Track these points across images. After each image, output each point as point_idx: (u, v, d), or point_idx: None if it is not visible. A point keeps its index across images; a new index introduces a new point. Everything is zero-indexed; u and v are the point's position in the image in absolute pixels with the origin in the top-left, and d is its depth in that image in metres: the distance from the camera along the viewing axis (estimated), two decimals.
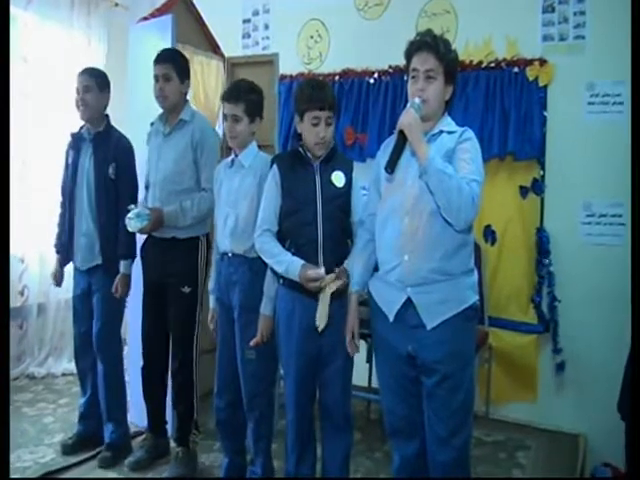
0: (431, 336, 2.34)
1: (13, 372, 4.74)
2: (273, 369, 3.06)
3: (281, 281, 2.77)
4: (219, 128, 3.91)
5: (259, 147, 3.11)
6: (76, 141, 3.58)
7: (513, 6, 4.22)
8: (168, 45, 3.62)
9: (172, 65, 3.31)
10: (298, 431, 2.80)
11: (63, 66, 4.99)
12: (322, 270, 2.60)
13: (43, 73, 4.90)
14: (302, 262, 2.62)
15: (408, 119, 2.30)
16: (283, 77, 4.75)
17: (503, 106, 4.17)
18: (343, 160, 2.83)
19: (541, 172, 4.13)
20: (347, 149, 4.65)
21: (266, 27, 5.24)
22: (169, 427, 3.61)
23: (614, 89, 3.91)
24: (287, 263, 2.65)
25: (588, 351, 3.98)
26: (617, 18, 3.78)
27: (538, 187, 4.13)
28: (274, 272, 2.79)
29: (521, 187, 4.19)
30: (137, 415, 3.71)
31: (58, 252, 3.67)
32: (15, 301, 4.75)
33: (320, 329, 2.62)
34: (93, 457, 3.54)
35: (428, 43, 2.37)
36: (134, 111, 3.97)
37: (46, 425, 4.00)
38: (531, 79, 4.10)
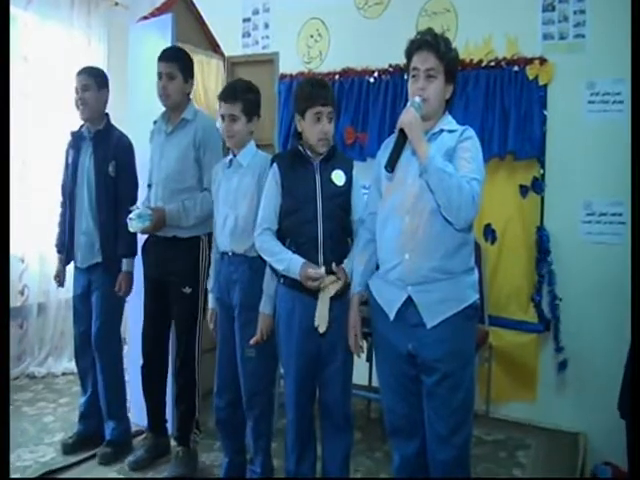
0: (431, 335, 2.34)
1: (13, 371, 4.75)
2: (273, 368, 3.06)
3: (281, 280, 2.76)
4: (219, 127, 3.91)
5: (259, 146, 3.11)
6: (76, 140, 3.58)
7: (513, 5, 4.22)
8: (168, 44, 3.62)
9: (176, 63, 3.31)
10: (298, 430, 2.80)
11: (63, 66, 4.99)
12: (322, 270, 2.61)
13: (43, 73, 4.90)
14: (303, 260, 2.62)
15: (408, 118, 2.30)
16: (283, 76, 4.75)
17: (503, 105, 4.17)
18: (343, 159, 2.83)
19: (541, 171, 4.12)
20: (347, 148, 4.65)
21: (266, 26, 5.23)
22: (169, 426, 3.61)
23: (614, 88, 3.91)
24: (288, 261, 2.65)
25: (588, 350, 3.98)
26: (617, 16, 3.78)
27: (538, 186, 4.13)
28: (274, 271, 2.79)
29: (521, 186, 4.18)
30: (137, 414, 3.71)
31: (59, 252, 3.67)
32: (15, 301, 4.76)
33: (322, 331, 2.62)
34: (93, 456, 3.53)
35: (429, 42, 2.37)
36: (134, 110, 3.97)
37: (46, 424, 4.00)
38: (531, 78, 4.09)
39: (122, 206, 3.37)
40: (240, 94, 2.95)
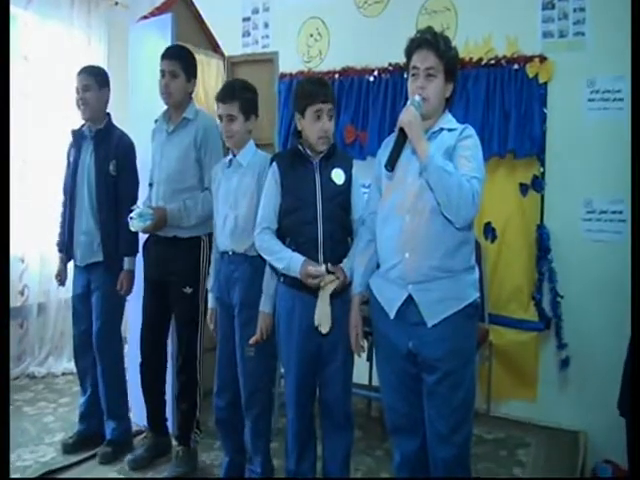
0: (432, 333, 2.34)
1: (14, 371, 4.75)
2: (272, 367, 3.07)
3: (281, 279, 2.76)
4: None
5: (258, 146, 3.10)
6: (77, 138, 3.59)
7: (513, 3, 4.21)
8: (168, 44, 3.61)
9: (179, 62, 3.31)
10: (298, 429, 2.80)
11: (63, 65, 5.00)
12: (323, 267, 2.61)
13: (43, 72, 4.90)
14: (303, 258, 2.62)
15: (408, 117, 2.30)
16: (283, 75, 4.75)
17: (503, 104, 4.17)
18: (343, 157, 2.83)
19: (541, 169, 4.12)
20: (347, 147, 4.65)
21: (266, 25, 5.23)
22: (170, 425, 3.61)
23: (614, 85, 3.90)
24: (288, 259, 2.65)
25: (589, 348, 3.98)
26: (617, 14, 3.77)
27: (538, 184, 4.13)
28: (274, 270, 2.79)
29: (521, 184, 4.18)
30: (138, 414, 3.71)
31: (60, 251, 3.67)
32: (15, 301, 4.76)
33: (325, 331, 2.62)
34: (94, 456, 3.53)
35: (428, 41, 2.37)
36: (135, 110, 3.97)
37: (46, 424, 4.00)
38: (531, 76, 4.09)
39: (123, 205, 3.38)
40: (237, 93, 2.95)
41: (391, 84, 4.57)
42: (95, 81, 3.49)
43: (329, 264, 2.63)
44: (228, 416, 3.09)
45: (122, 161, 3.48)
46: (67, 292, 4.57)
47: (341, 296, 2.66)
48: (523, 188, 4.17)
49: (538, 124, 4.08)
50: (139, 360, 3.50)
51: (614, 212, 3.92)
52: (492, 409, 4.28)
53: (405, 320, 2.38)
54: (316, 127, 2.67)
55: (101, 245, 3.46)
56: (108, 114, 3.59)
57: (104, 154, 3.47)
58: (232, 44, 4.85)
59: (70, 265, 3.67)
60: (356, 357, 2.77)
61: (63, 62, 5.01)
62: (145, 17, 4.06)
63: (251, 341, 2.85)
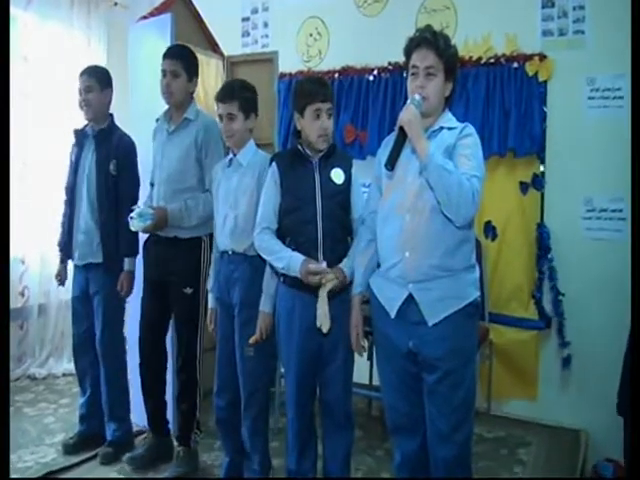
0: (432, 333, 2.34)
1: (14, 373, 4.75)
2: (272, 367, 3.07)
3: (281, 279, 2.76)
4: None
5: (258, 146, 3.11)
6: (79, 138, 3.60)
7: (512, 1, 4.21)
8: (167, 44, 3.61)
9: (181, 61, 3.31)
10: (299, 429, 2.80)
11: (63, 66, 5.00)
12: (324, 264, 2.61)
13: (43, 73, 4.90)
14: (303, 257, 2.62)
15: (408, 115, 2.30)
16: (282, 75, 4.75)
17: (503, 102, 4.16)
18: (342, 157, 2.83)
19: (541, 167, 4.12)
20: (347, 147, 4.65)
21: (265, 25, 5.23)
22: (170, 426, 3.61)
23: (614, 83, 3.90)
24: (288, 259, 2.64)
25: (589, 346, 3.97)
26: (616, 12, 3.76)
27: (538, 182, 4.12)
28: (274, 270, 2.79)
29: (521, 183, 4.18)
30: (138, 415, 3.70)
31: (61, 250, 3.67)
32: (16, 302, 4.77)
33: (325, 330, 2.62)
34: (95, 456, 3.53)
35: (428, 39, 2.37)
36: (135, 110, 3.97)
37: (47, 425, 4.00)
38: (531, 74, 4.08)
39: (123, 205, 3.38)
40: (236, 93, 2.96)
41: (391, 83, 4.56)
42: (97, 82, 3.50)
43: (325, 263, 2.63)
44: (228, 416, 3.09)
45: (122, 161, 3.48)
46: (67, 293, 4.57)
47: (341, 296, 2.66)
48: (523, 187, 4.17)
49: (538, 122, 4.07)
50: (138, 360, 3.49)
51: (614, 210, 3.92)
52: (492, 408, 4.27)
53: (405, 319, 2.38)
54: (315, 126, 2.67)
55: (100, 245, 3.46)
56: (111, 115, 3.60)
57: (105, 154, 3.48)
58: (231, 44, 4.85)
59: (70, 265, 3.67)
60: (357, 356, 2.77)
61: (63, 62, 5.01)
62: (144, 17, 4.06)
63: (251, 341, 2.85)
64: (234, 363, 2.99)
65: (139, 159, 3.58)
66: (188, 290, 3.29)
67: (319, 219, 2.67)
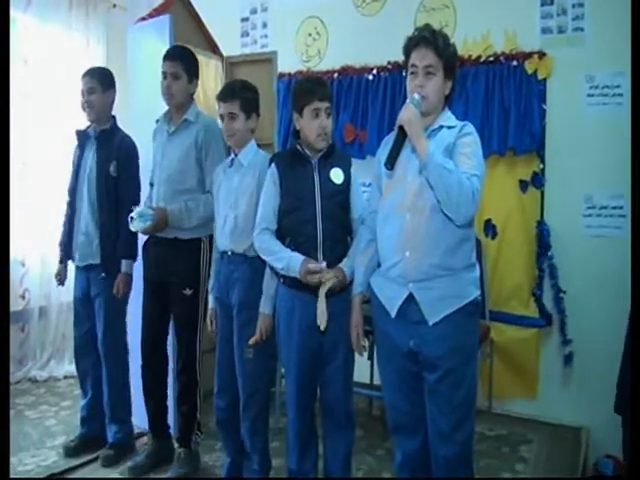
0: (433, 332, 2.33)
1: (15, 375, 4.75)
2: (272, 367, 3.07)
3: (281, 280, 2.76)
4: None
5: (259, 146, 3.11)
6: (82, 139, 3.60)
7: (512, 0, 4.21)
8: (166, 45, 3.61)
9: (181, 63, 3.30)
10: (300, 429, 2.80)
11: (62, 67, 5.01)
12: (324, 264, 2.60)
13: (43, 74, 4.90)
14: (302, 257, 2.62)
15: (408, 115, 2.29)
16: (282, 75, 4.75)
17: (502, 100, 4.16)
18: (341, 157, 2.83)
19: (541, 165, 4.11)
20: (347, 146, 4.65)
21: (264, 25, 5.23)
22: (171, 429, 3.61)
23: (613, 80, 3.89)
24: (287, 259, 2.64)
25: (589, 344, 3.97)
26: (616, 9, 3.76)
27: (538, 180, 4.12)
28: (274, 270, 2.79)
29: (521, 181, 4.17)
30: (139, 416, 3.70)
31: (61, 250, 3.67)
32: (16, 304, 4.76)
33: (322, 328, 2.62)
34: (96, 459, 3.53)
35: (427, 38, 2.37)
36: (134, 111, 3.97)
37: (48, 428, 3.99)
38: (530, 72, 4.08)
39: (123, 207, 3.37)
40: (238, 92, 2.96)
41: (390, 82, 4.56)
42: (99, 83, 3.50)
43: (324, 263, 2.63)
44: (229, 417, 3.09)
45: (123, 162, 3.47)
46: (68, 295, 4.58)
47: (341, 295, 2.66)
48: (523, 185, 4.16)
49: (537, 120, 4.07)
50: (139, 362, 3.48)
51: (614, 207, 3.91)
52: (494, 406, 4.27)
53: (406, 319, 2.38)
54: (314, 125, 2.66)
55: (99, 247, 3.46)
56: (114, 116, 3.61)
57: (106, 155, 3.48)
58: (231, 44, 4.86)
59: (71, 266, 3.67)
60: (357, 356, 2.77)
61: (62, 63, 5.02)
62: (143, 19, 4.06)
63: (250, 341, 2.84)
64: (234, 364, 2.98)
65: (139, 160, 3.58)
66: (188, 291, 3.29)
67: (319, 219, 2.66)
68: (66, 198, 3.65)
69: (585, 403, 3.98)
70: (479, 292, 2.42)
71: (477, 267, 2.45)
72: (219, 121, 3.10)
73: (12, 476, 3.27)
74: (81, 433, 3.67)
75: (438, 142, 2.34)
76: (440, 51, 2.35)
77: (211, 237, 3.27)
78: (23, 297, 4.88)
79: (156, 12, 4.03)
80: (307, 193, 2.69)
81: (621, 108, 3.85)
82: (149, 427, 3.55)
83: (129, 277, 3.48)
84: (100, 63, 4.97)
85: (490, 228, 4.27)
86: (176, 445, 3.45)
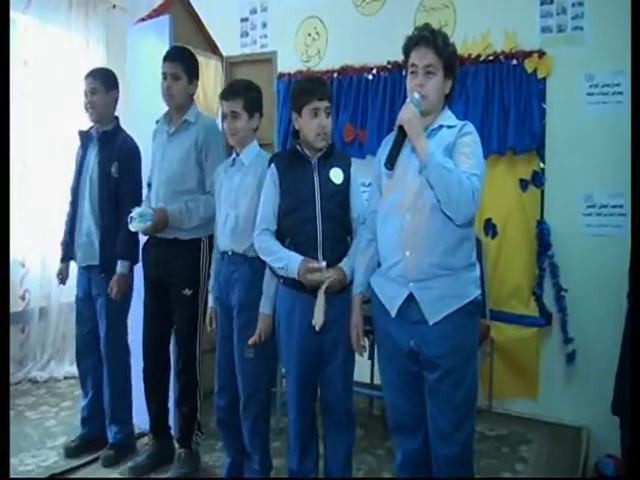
0: (433, 331, 2.33)
1: (15, 376, 4.75)
2: (272, 368, 3.06)
3: (281, 280, 2.76)
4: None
5: (259, 146, 3.10)
6: (84, 139, 3.61)
7: None
8: (166, 46, 3.61)
9: (181, 64, 3.31)
10: (300, 429, 2.80)
11: (62, 67, 5.01)
12: (324, 264, 2.60)
13: (42, 75, 4.90)
14: (302, 257, 2.62)
15: (408, 114, 2.29)
16: (282, 75, 4.75)
17: (502, 99, 4.16)
18: (341, 156, 2.83)
19: (541, 164, 4.11)
20: (347, 146, 4.64)
21: (264, 25, 5.23)
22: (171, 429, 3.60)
23: (613, 79, 3.89)
24: (286, 259, 2.64)
25: (590, 343, 3.96)
26: (615, 8, 3.76)
27: (538, 179, 4.12)
28: (273, 271, 2.78)
29: (521, 180, 4.17)
30: (140, 417, 3.70)
31: (63, 250, 3.67)
32: (16, 305, 4.76)
33: (317, 328, 2.61)
34: (96, 459, 3.53)
35: (426, 38, 2.37)
36: (134, 112, 3.96)
37: (48, 429, 3.99)
38: (530, 71, 4.08)
39: (123, 208, 3.36)
40: (241, 91, 2.96)
41: (390, 82, 4.56)
42: (102, 84, 3.51)
43: (324, 263, 2.63)
44: (229, 416, 3.09)
45: (124, 163, 3.47)
46: (68, 296, 4.59)
47: (341, 295, 2.66)
48: (523, 184, 4.16)
49: (537, 119, 4.07)
50: (141, 363, 3.48)
51: (614, 206, 3.91)
52: (494, 405, 4.26)
53: (406, 318, 2.38)
54: (313, 124, 2.66)
55: (99, 247, 3.46)
56: (117, 117, 3.61)
57: (108, 156, 3.48)
58: (230, 45, 4.87)
59: (73, 265, 3.67)
60: (357, 356, 2.76)
61: (62, 64, 5.02)
62: (143, 19, 4.06)
63: (250, 342, 2.84)
64: (234, 364, 2.98)
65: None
66: (187, 292, 3.29)
67: (318, 219, 2.66)
68: (68, 198, 3.65)
69: (585, 402, 3.98)
70: (479, 291, 2.42)
71: (477, 266, 2.45)
72: (219, 121, 3.09)
73: (13, 476, 3.27)
74: (82, 433, 3.67)
75: (438, 142, 2.34)
76: (440, 50, 2.35)
77: (211, 237, 3.27)
78: (23, 298, 4.88)
79: (156, 13, 4.03)
80: (307, 193, 2.69)
81: (621, 107, 3.85)
82: (150, 428, 3.55)
83: (124, 278, 3.44)
84: (100, 64, 4.95)
85: (490, 227, 4.26)
86: (176, 445, 3.45)
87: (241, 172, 2.99)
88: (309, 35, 5.01)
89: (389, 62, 4.52)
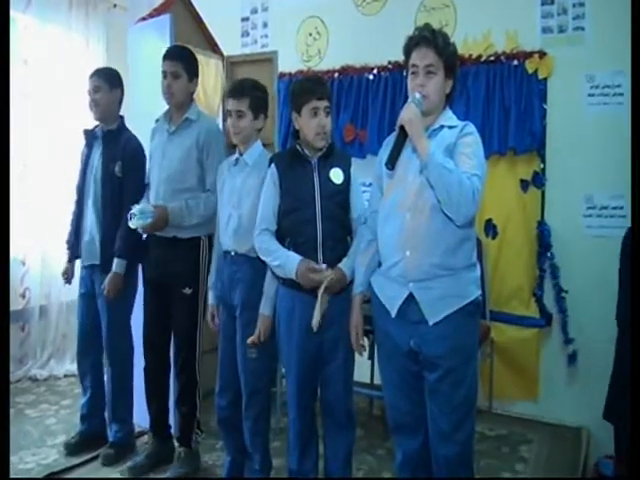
0: (433, 331, 2.33)
1: (15, 374, 4.75)
2: (273, 367, 3.06)
3: (281, 280, 2.75)
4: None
5: None
6: (89, 138, 3.61)
7: None
8: (167, 45, 3.61)
9: (181, 62, 3.30)
10: (300, 429, 2.80)
11: (62, 67, 5.01)
12: (324, 266, 2.61)
13: (42, 75, 4.90)
14: (300, 257, 2.62)
15: (409, 114, 2.29)
16: (282, 75, 4.74)
17: (503, 100, 4.16)
18: (341, 156, 2.82)
19: (541, 165, 4.11)
20: (347, 146, 4.64)
21: (265, 25, 5.23)
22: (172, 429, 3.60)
23: (614, 80, 3.89)
24: (285, 258, 2.65)
25: (590, 344, 3.96)
26: (616, 9, 3.76)
27: (539, 180, 4.12)
28: (273, 272, 2.78)
29: (522, 180, 4.17)
30: (140, 415, 3.70)
31: (68, 249, 3.67)
32: (17, 304, 4.77)
33: (315, 329, 2.61)
34: (96, 457, 3.54)
35: (427, 38, 2.37)
36: (134, 111, 3.95)
37: (48, 427, 3.99)
38: (531, 72, 4.08)
39: (127, 207, 3.35)
40: (247, 91, 2.95)
41: (390, 82, 4.56)
42: (105, 82, 3.52)
43: (324, 265, 2.63)
44: (230, 415, 3.09)
45: (128, 163, 3.46)
46: (68, 295, 4.60)
47: (341, 295, 2.66)
48: (524, 184, 4.16)
49: (538, 120, 4.06)
50: (141, 362, 3.48)
51: (615, 208, 3.91)
52: (494, 406, 4.26)
53: (406, 318, 2.38)
54: (313, 124, 2.66)
55: (100, 247, 3.46)
56: (121, 116, 3.62)
57: (112, 155, 3.48)
58: (231, 44, 4.86)
59: (78, 263, 3.67)
60: (357, 356, 2.77)
61: (62, 64, 5.02)
62: (143, 18, 4.06)
63: (249, 341, 2.84)
64: (236, 363, 2.98)
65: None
66: (187, 290, 3.28)
67: (318, 219, 2.66)
68: (74, 197, 3.66)
69: (586, 403, 3.97)
70: (480, 292, 2.42)
71: (478, 267, 2.45)
72: (220, 120, 3.09)
73: (13, 475, 3.27)
74: (81, 430, 3.68)
75: (439, 142, 2.34)
76: (440, 50, 2.35)
77: (210, 236, 3.27)
78: (23, 296, 4.88)
79: (156, 12, 4.03)
80: (307, 193, 2.69)
81: (621, 108, 3.84)
82: (150, 427, 3.54)
83: (119, 277, 3.40)
84: (100, 63, 4.96)
85: (491, 228, 4.26)
86: (176, 444, 3.46)
87: (244, 172, 2.99)
88: (310, 35, 5.01)
89: (390, 62, 4.52)
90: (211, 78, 4.38)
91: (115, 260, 3.40)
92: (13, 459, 3.47)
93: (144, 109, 3.71)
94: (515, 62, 4.12)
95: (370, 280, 2.54)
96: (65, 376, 4.93)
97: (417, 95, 2.35)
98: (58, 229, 4.58)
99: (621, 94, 3.87)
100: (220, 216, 3.07)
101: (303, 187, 2.71)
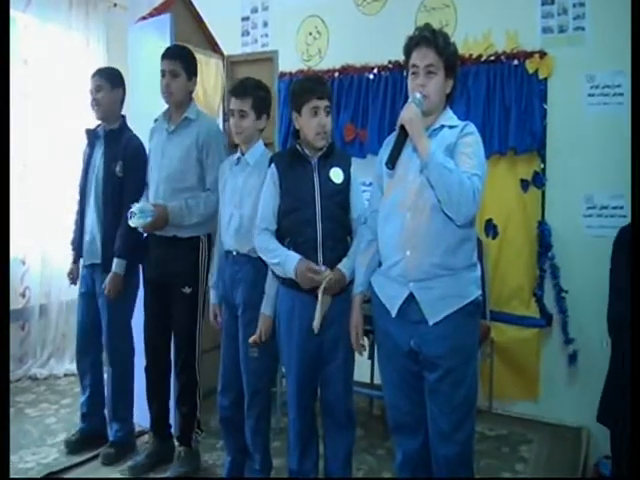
0: (433, 331, 2.33)
1: (15, 373, 4.75)
2: (274, 367, 3.06)
3: (281, 280, 2.75)
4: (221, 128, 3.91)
5: None
6: (91, 138, 3.61)
7: None
8: (167, 44, 3.61)
9: (180, 61, 3.30)
10: (300, 429, 2.80)
11: (62, 67, 5.00)
12: (324, 267, 2.61)
13: (43, 74, 4.90)
14: (299, 256, 2.62)
15: (409, 114, 2.29)
16: (282, 74, 4.74)
17: (503, 100, 4.16)
18: (341, 156, 2.82)
19: (542, 165, 4.11)
20: (347, 146, 4.64)
21: (265, 24, 5.22)
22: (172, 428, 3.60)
23: (614, 80, 3.89)
24: (284, 257, 2.65)
25: (590, 344, 3.95)
26: (616, 9, 3.76)
27: (539, 180, 4.12)
28: (273, 270, 2.78)
29: (522, 180, 4.17)
30: (140, 415, 3.70)
31: (73, 249, 3.67)
32: (17, 303, 4.77)
33: (316, 331, 2.61)
34: (96, 457, 3.54)
35: (427, 38, 2.37)
36: (134, 110, 3.95)
37: (48, 426, 3.99)
38: (531, 72, 4.08)
39: (127, 207, 3.35)
40: (250, 90, 2.95)
41: (391, 82, 4.56)
42: (107, 81, 3.52)
43: (324, 267, 2.63)
44: (232, 415, 3.09)
45: (129, 162, 3.46)
46: (68, 294, 4.60)
47: (341, 295, 2.66)
48: (524, 184, 4.16)
49: (538, 120, 4.06)
50: (141, 362, 3.48)
51: (615, 207, 3.91)
52: (494, 406, 4.26)
53: (406, 318, 2.37)
54: (313, 123, 2.66)
55: (101, 246, 3.46)
56: (123, 116, 3.61)
57: (113, 154, 3.48)
58: (231, 43, 4.86)
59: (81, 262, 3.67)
60: (358, 355, 2.77)
61: (62, 64, 5.01)
62: (144, 18, 4.06)
63: (250, 341, 2.84)
64: (238, 363, 2.98)
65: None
66: (187, 290, 3.28)
67: (318, 219, 2.66)
68: (77, 197, 3.66)
69: (586, 403, 3.96)
70: (480, 292, 2.42)
71: (478, 267, 2.45)
72: (220, 120, 3.08)
73: (13, 474, 3.27)
74: (82, 428, 3.68)
75: (439, 141, 2.34)
76: (440, 50, 2.35)
77: (210, 235, 3.27)
78: (23, 295, 4.88)
79: (157, 11, 4.03)
80: (307, 193, 2.69)
81: (622, 108, 3.85)
82: (151, 427, 3.55)
83: (119, 277, 3.40)
84: (100, 63, 4.96)
85: (491, 228, 4.26)
86: (176, 444, 3.46)
87: (246, 172, 2.98)
88: (310, 34, 5.01)
89: (390, 62, 4.52)
90: (211, 78, 4.38)
91: (115, 260, 3.39)
92: (13, 458, 3.47)
93: (144, 109, 3.71)
94: (515, 62, 4.12)
95: (370, 280, 2.54)
96: (65, 375, 4.92)
97: (417, 95, 2.35)
98: (58, 229, 4.58)
99: (621, 94, 3.87)
100: (222, 216, 3.07)
101: (303, 187, 2.70)
